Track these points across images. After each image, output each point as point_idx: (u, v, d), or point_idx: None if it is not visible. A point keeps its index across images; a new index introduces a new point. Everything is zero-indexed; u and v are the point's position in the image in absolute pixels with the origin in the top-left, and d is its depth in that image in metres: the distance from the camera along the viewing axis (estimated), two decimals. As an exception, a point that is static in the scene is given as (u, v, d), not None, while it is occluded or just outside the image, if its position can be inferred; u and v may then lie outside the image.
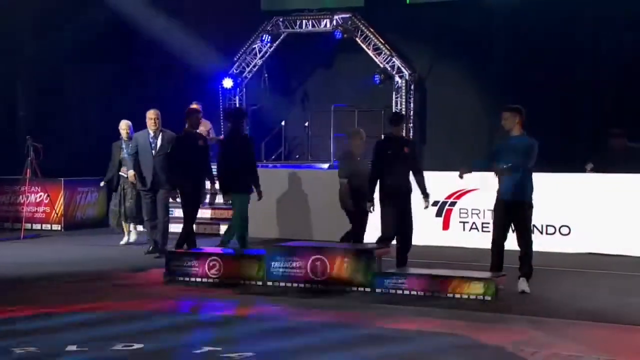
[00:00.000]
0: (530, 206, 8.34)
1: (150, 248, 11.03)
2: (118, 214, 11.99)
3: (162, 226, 10.96)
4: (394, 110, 14.65)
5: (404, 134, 9.42)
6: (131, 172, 11.12)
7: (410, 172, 9.10)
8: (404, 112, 9.33)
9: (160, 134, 10.89)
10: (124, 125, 11.90)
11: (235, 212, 10.28)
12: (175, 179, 10.31)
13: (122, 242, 12.04)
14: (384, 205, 9.01)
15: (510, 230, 8.42)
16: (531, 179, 8.31)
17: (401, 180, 9.01)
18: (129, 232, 12.14)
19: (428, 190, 9.11)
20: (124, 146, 11.77)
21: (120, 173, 11.84)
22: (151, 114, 10.88)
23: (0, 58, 15.32)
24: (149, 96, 14.28)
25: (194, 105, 12.92)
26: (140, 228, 12.12)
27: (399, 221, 8.94)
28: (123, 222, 12.04)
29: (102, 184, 12.91)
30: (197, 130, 10.78)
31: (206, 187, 10.73)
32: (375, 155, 9.13)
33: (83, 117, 15.74)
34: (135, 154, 10.94)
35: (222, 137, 13.93)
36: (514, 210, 8.30)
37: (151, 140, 10.87)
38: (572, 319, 7.16)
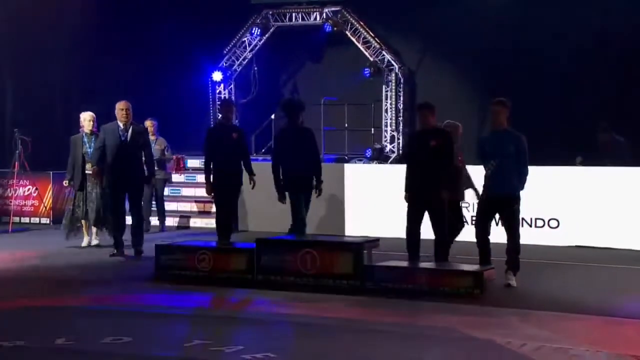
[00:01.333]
0: (518, 200, 8.38)
1: (115, 251, 10.22)
2: (78, 213, 10.91)
3: (136, 228, 10.32)
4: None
5: (435, 125, 8.83)
6: (92, 167, 10.28)
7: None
8: (428, 102, 8.78)
9: (131, 127, 10.18)
10: (88, 117, 10.86)
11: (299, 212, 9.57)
12: (207, 174, 9.96)
13: (83, 244, 11.07)
14: (407, 199, 8.84)
15: (496, 223, 8.47)
16: (519, 173, 8.34)
17: (425, 175, 8.61)
18: (90, 233, 11.12)
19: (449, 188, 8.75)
20: (85, 140, 10.82)
21: (87, 172, 10.75)
22: (122, 105, 10.15)
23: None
24: (137, 90, 14.27)
25: (147, 122, 12.42)
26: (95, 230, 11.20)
27: (429, 217, 8.72)
28: (83, 222, 11.01)
29: (65, 183, 11.45)
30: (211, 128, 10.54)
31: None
32: (405, 148, 9.07)
33: (70, 110, 15.71)
34: (102, 147, 10.15)
35: (175, 156, 13.39)
36: (501, 204, 8.34)
37: (121, 133, 10.10)
38: (560, 312, 7.21)
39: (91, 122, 10.84)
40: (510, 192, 8.33)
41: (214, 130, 10.41)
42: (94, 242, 11.14)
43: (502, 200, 8.33)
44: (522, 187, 8.40)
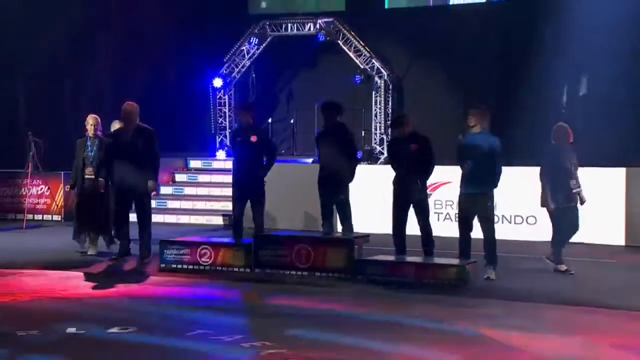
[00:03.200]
0: (491, 197, 8.40)
1: (117, 255, 9.49)
2: (80, 218, 9.97)
3: (145, 235, 9.46)
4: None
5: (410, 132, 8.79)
6: (102, 182, 9.65)
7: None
8: (404, 114, 8.88)
9: (133, 130, 9.37)
10: (91, 120, 9.94)
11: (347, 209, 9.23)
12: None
13: (90, 252, 9.89)
14: (393, 200, 8.83)
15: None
16: (493, 172, 8.33)
17: (407, 177, 8.66)
18: (86, 239, 10.05)
19: (426, 187, 8.81)
20: (88, 144, 9.91)
21: (86, 176, 9.86)
22: (123, 107, 9.41)
23: (1, 57, 15.30)
24: (143, 95, 14.23)
25: (117, 125, 10.51)
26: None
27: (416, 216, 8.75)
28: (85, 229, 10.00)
29: (67, 188, 10.74)
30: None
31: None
32: (387, 154, 9.10)
33: (80, 113, 15.69)
34: (110, 154, 9.50)
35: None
36: (476, 202, 8.35)
37: (128, 137, 9.35)
38: (537, 302, 7.23)
39: (93, 126, 9.92)
40: (485, 190, 8.35)
41: (234, 132, 10.17)
42: (91, 251, 9.95)
43: (478, 198, 8.35)
44: (495, 185, 8.42)
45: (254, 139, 9.50)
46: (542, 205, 8.88)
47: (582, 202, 8.93)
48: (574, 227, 8.83)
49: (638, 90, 13.45)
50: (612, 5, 13.14)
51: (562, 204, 8.72)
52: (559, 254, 8.82)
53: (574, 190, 8.73)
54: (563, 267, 8.75)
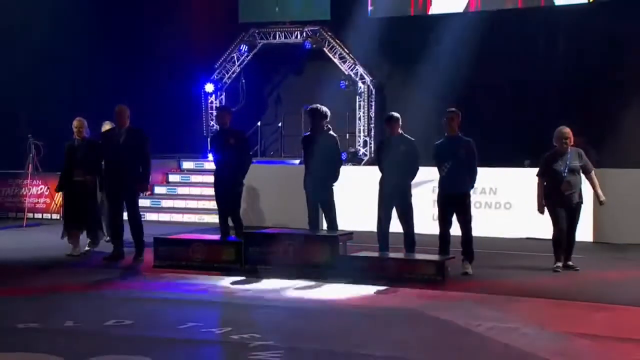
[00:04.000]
0: (469, 197, 8.42)
1: (110, 256, 9.24)
2: (68, 219, 9.73)
3: (138, 233, 9.23)
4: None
5: (402, 133, 8.75)
6: (89, 179, 9.44)
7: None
8: (395, 114, 8.77)
9: (125, 130, 9.13)
10: (75, 123, 9.63)
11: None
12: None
13: (86, 249, 9.72)
14: (379, 200, 8.79)
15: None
16: (469, 173, 8.36)
17: (396, 177, 8.61)
18: (76, 241, 9.66)
19: (410, 188, 8.67)
20: (76, 146, 9.65)
21: (75, 178, 9.58)
22: (116, 108, 9.17)
23: (1, 58, 15.23)
24: (139, 98, 14.19)
25: (107, 126, 10.42)
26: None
27: (398, 215, 8.68)
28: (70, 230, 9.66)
29: (55, 190, 10.77)
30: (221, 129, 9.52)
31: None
32: (376, 154, 9.04)
33: (77, 115, 15.59)
34: (102, 155, 9.29)
35: None
36: (455, 201, 8.38)
37: (118, 137, 9.14)
38: (511, 295, 7.27)
39: (78, 129, 9.60)
40: (462, 190, 8.38)
41: (213, 137, 10.09)
42: (87, 247, 9.75)
43: (456, 198, 8.38)
44: (472, 186, 8.46)
45: (231, 141, 9.32)
46: (538, 207, 8.73)
47: (600, 203, 8.72)
48: (569, 227, 8.57)
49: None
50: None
51: (553, 206, 8.55)
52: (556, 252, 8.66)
53: (566, 193, 8.47)
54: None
